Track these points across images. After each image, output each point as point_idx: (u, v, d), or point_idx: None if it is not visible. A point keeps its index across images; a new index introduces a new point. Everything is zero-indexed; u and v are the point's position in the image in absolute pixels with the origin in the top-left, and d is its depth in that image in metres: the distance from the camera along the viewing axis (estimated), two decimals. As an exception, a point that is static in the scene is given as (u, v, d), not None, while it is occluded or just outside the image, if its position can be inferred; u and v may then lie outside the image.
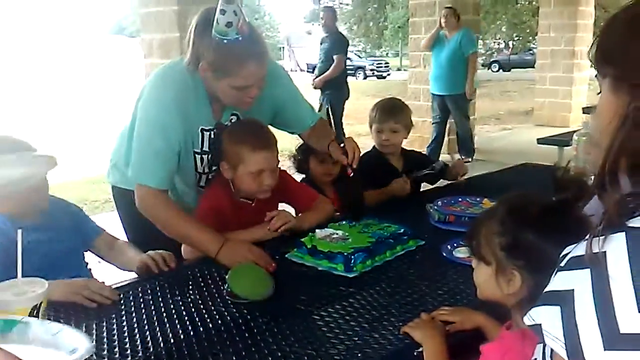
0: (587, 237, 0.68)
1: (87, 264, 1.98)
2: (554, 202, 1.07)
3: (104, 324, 1.44)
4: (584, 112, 6.81)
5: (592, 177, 2.34)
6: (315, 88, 6.87)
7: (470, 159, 6.67)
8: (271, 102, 2.06)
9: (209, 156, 2.01)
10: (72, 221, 1.95)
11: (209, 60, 1.79)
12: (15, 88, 17.65)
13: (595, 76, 0.81)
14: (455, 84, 6.62)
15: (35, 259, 1.57)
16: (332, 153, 2.12)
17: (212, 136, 1.99)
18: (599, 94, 0.79)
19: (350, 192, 2.04)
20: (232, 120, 2.03)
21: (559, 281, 0.69)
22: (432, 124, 6.99)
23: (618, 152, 0.73)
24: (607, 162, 0.71)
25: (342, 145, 2.06)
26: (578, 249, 0.69)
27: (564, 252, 0.72)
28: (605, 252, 0.65)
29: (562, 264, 0.70)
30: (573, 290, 0.66)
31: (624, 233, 0.68)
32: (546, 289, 0.71)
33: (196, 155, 1.98)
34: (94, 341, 1.33)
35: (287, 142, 2.58)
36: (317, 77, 6.87)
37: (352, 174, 2.04)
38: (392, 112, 2.63)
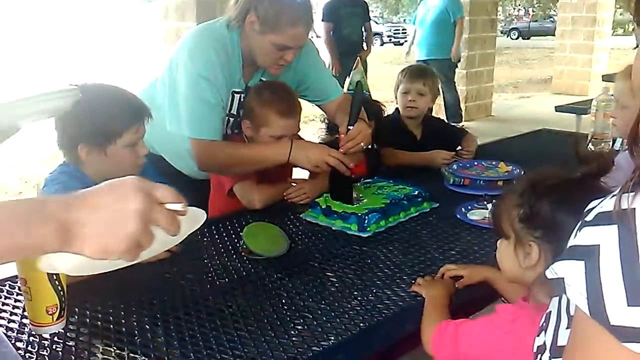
0: (615, 192, 0.66)
1: None
2: (577, 175, 1.04)
3: (120, 276, 1.47)
4: (603, 80, 6.68)
5: (612, 141, 2.29)
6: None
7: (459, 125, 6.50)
8: (296, 70, 2.06)
9: (234, 120, 2.03)
10: None
11: (261, 11, 1.81)
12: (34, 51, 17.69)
13: (632, 29, 0.77)
14: (440, 49, 6.52)
15: None
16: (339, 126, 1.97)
17: (242, 100, 2.00)
18: (635, 48, 0.76)
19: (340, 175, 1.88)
20: None
21: (584, 236, 0.67)
22: None
23: None
24: None
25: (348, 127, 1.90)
26: (606, 205, 0.67)
27: (589, 207, 0.71)
28: (634, 208, 0.63)
29: (588, 219, 0.68)
30: (599, 245, 0.64)
31: None
32: (570, 244, 0.70)
33: (224, 116, 1.99)
34: (109, 294, 1.36)
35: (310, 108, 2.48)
36: (340, 47, 6.16)
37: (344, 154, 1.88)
38: (421, 74, 2.61)
